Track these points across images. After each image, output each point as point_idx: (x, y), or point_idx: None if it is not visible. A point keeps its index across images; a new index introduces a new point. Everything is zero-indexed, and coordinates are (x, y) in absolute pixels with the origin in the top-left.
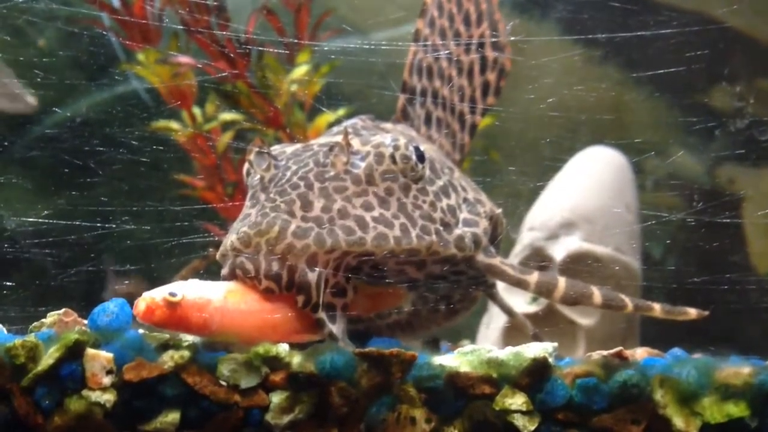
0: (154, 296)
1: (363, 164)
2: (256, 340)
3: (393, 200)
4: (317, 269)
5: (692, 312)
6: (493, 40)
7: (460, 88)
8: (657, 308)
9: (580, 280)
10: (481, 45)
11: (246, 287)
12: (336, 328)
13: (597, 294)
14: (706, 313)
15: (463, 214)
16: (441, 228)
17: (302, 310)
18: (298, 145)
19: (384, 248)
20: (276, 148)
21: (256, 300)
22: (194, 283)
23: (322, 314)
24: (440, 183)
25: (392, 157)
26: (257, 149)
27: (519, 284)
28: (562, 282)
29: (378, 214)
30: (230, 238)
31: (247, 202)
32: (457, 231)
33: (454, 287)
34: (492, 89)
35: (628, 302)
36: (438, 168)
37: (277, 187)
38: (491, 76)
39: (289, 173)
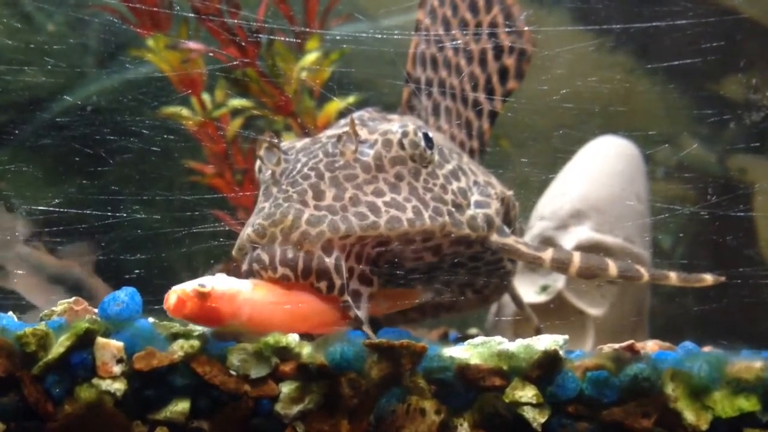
0: (185, 288)
1: (372, 152)
2: (285, 332)
3: (403, 185)
4: (335, 254)
5: (708, 278)
6: (507, 23)
7: (471, 76)
8: (673, 276)
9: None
10: (492, 31)
11: (270, 282)
12: (361, 313)
13: (612, 266)
14: (723, 278)
15: (475, 197)
16: (453, 209)
17: (329, 302)
18: (307, 140)
19: (397, 231)
20: (285, 144)
21: (284, 293)
22: (221, 277)
23: (347, 297)
24: (450, 167)
25: (400, 143)
26: (267, 145)
27: (534, 261)
28: (576, 256)
29: (389, 199)
30: (246, 232)
31: (260, 197)
32: (469, 212)
33: (472, 276)
34: (512, 74)
35: (644, 272)
36: (446, 153)
37: (288, 179)
38: (509, 61)
39: (299, 165)
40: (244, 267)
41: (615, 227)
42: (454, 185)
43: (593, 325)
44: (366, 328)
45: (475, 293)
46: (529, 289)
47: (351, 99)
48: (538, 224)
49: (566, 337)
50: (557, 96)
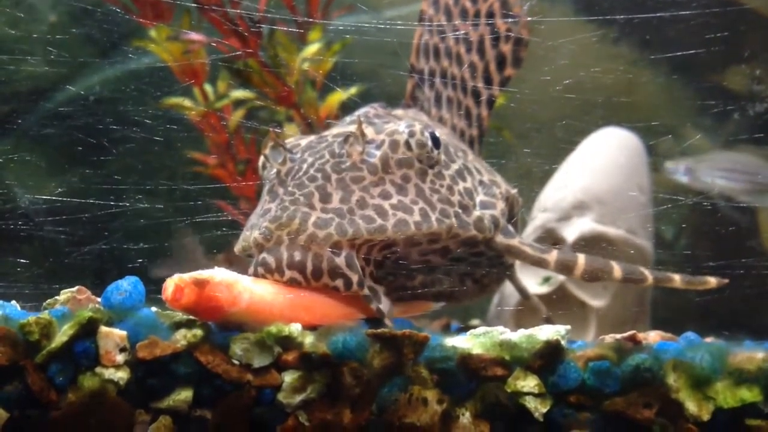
0: (182, 276)
1: (378, 153)
2: (287, 323)
3: (410, 186)
4: (344, 251)
5: (712, 281)
6: (504, 11)
7: (471, 64)
8: (677, 279)
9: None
10: (490, 18)
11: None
12: (383, 306)
13: (617, 268)
14: (726, 281)
15: (480, 197)
16: (460, 211)
17: (336, 297)
18: (312, 137)
19: (405, 233)
20: (290, 141)
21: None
22: (220, 269)
23: (366, 290)
24: (455, 167)
25: (407, 144)
26: (272, 144)
27: (538, 263)
28: (581, 258)
29: (396, 201)
30: (252, 234)
31: (265, 196)
32: (476, 213)
33: (473, 267)
34: (509, 61)
35: (648, 275)
36: (452, 152)
37: (294, 180)
38: (506, 48)
39: (305, 165)
40: (251, 271)
41: (617, 219)
42: (461, 186)
43: (595, 316)
44: (388, 321)
45: (474, 282)
46: (531, 280)
47: (353, 90)
48: (540, 216)
49: (568, 327)
50: (560, 87)
